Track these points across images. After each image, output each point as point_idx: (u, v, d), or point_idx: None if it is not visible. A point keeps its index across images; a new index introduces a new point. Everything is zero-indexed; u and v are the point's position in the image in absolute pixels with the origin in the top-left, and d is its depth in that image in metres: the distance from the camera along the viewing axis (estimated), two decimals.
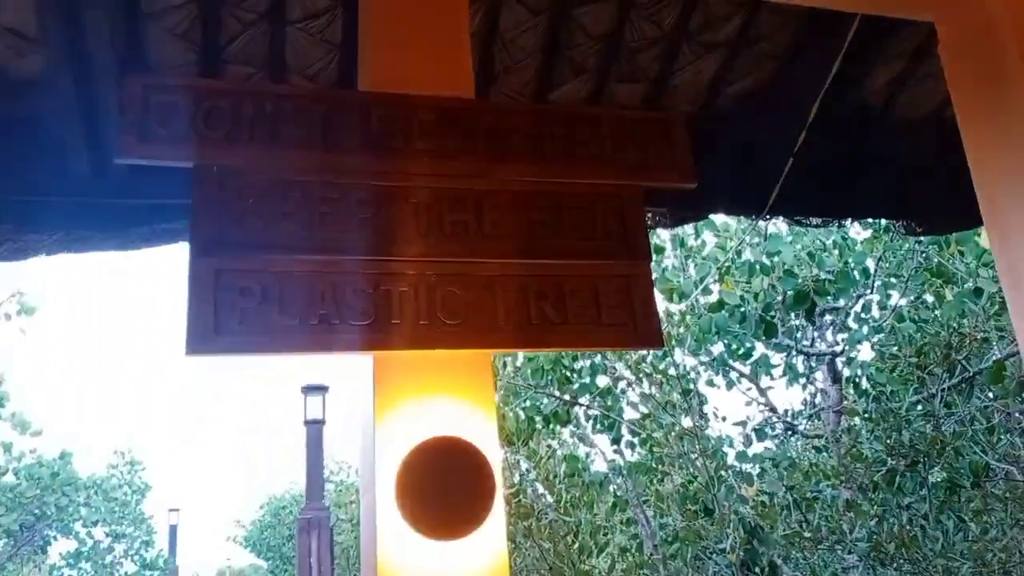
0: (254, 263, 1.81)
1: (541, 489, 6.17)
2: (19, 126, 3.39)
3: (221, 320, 1.74)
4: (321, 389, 9.55)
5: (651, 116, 2.59)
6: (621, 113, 2.31)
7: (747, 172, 4.59)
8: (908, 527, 5.23)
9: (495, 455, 1.82)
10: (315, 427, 9.50)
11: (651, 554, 6.28)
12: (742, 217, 5.54)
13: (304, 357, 1.82)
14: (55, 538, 15.97)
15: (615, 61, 4.22)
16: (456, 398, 1.84)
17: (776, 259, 7.00)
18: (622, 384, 8.01)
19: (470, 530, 1.74)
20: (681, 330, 7.17)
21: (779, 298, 7.13)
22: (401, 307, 1.86)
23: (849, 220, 5.34)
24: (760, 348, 8.24)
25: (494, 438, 1.85)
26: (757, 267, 6.86)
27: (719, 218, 7.71)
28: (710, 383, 8.62)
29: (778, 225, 7.50)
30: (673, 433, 6.24)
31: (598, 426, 8.20)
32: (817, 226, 5.17)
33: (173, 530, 20.03)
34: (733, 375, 8.47)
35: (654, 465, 7.09)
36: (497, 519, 1.79)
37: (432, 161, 2.03)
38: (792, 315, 7.47)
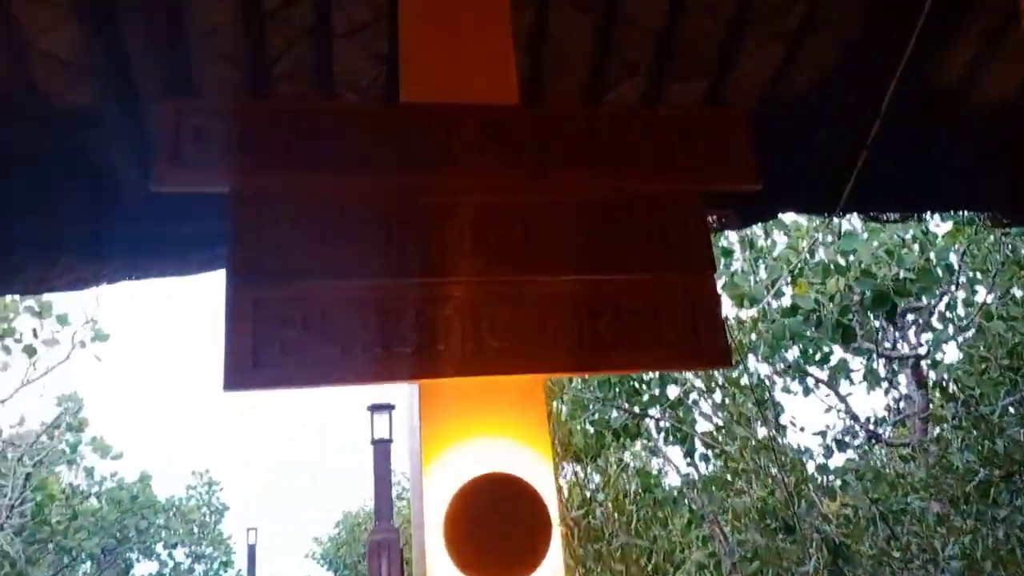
0: (293, 291, 1.73)
1: (612, 508, 5.98)
2: (71, 157, 3.42)
3: (260, 353, 1.66)
4: (387, 408, 9.52)
5: (708, 114, 2.44)
6: (676, 113, 2.16)
7: (818, 167, 4.35)
8: (1005, 542, 4.88)
9: (549, 488, 1.69)
10: (382, 446, 9.47)
11: (730, 572, 6.03)
12: (814, 215, 5.28)
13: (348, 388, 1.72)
14: (137, 560, 16.40)
15: (671, 57, 4.06)
16: (507, 426, 1.72)
17: (852, 258, 6.68)
18: (693, 394, 7.76)
19: (528, 571, 1.62)
20: (753, 337, 6.90)
21: (856, 299, 6.79)
22: (447, 331, 1.75)
23: (929, 213, 5.02)
24: (838, 352, 7.88)
25: (548, 469, 1.72)
26: (832, 267, 6.54)
27: (789, 217, 7.41)
28: (786, 390, 8.28)
29: (852, 222, 7.18)
30: (748, 446, 5.98)
31: (670, 438, 7.95)
32: (895, 221, 4.89)
33: (252, 549, 20.37)
34: (810, 381, 8.12)
35: (730, 479, 6.82)
36: (554, 560, 1.65)
37: (476, 175, 1.92)
38: (871, 317, 7.11)
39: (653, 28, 3.93)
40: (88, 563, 13.00)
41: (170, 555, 17.66)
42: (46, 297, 9.23)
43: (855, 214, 4.86)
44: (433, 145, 1.93)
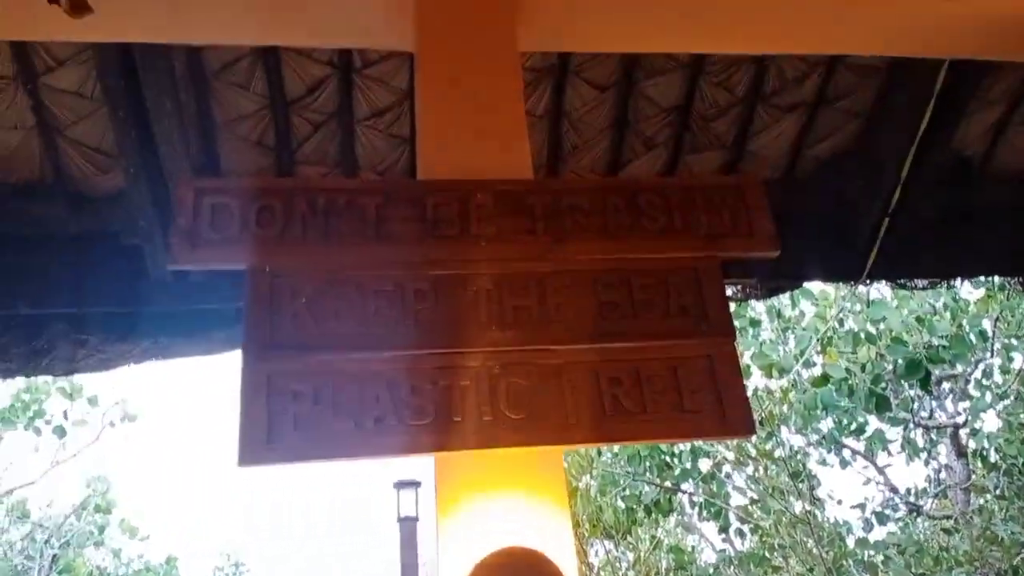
0: (306, 365, 1.73)
1: None
2: (101, 239, 3.51)
3: (274, 428, 1.65)
4: (414, 484, 9.38)
5: (723, 181, 2.44)
6: (689, 180, 2.17)
7: (841, 236, 4.34)
8: None
9: (570, 564, 1.64)
10: (408, 524, 9.30)
11: None
12: (840, 283, 5.23)
13: (363, 461, 1.70)
14: None
15: (688, 131, 4.11)
16: (525, 500, 1.68)
17: (882, 326, 6.58)
18: (726, 467, 7.59)
19: None
20: (784, 408, 6.77)
21: (889, 368, 6.66)
22: (463, 403, 1.73)
23: (958, 280, 4.96)
24: (874, 422, 7.70)
25: (569, 543, 1.66)
26: (862, 336, 6.44)
27: (816, 286, 7.36)
28: (822, 462, 8.06)
29: (881, 290, 7.10)
30: (784, 520, 5.80)
31: (704, 513, 7.75)
32: (923, 288, 4.84)
33: None
34: (846, 453, 7.91)
35: (766, 555, 6.59)
36: None
37: (491, 246, 1.92)
38: (905, 385, 6.96)
39: (669, 104, 4.01)
40: None
41: None
42: (77, 378, 9.34)
43: (883, 282, 4.82)
44: (449, 217, 1.95)
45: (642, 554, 6.20)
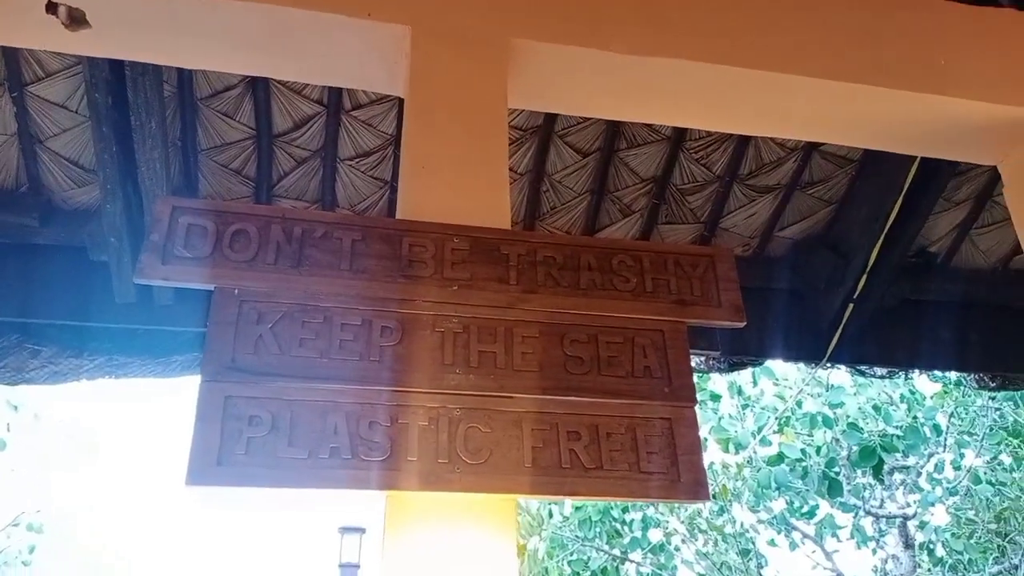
0: (266, 390, 1.71)
1: None
2: (68, 252, 3.47)
3: (225, 450, 1.62)
4: (359, 530, 9.20)
5: (695, 250, 2.48)
6: (662, 247, 2.20)
7: (804, 317, 4.43)
8: None
9: None
10: (349, 571, 9.09)
11: None
12: (802, 364, 5.29)
13: (312, 493, 1.67)
14: None
15: (664, 203, 4.20)
16: (475, 547, 1.66)
17: (839, 411, 6.66)
18: (676, 540, 7.55)
19: None
20: (738, 483, 6.77)
21: (844, 453, 6.72)
22: (420, 443, 1.72)
23: (916, 371, 5.05)
24: (825, 507, 7.73)
25: None
26: (819, 419, 6.51)
27: (778, 366, 7.47)
28: (771, 543, 8.05)
29: (840, 376, 7.20)
30: None
31: None
32: (881, 377, 4.91)
33: None
34: (796, 536, 7.91)
35: None
36: None
37: (462, 291, 1.93)
38: (858, 472, 7.02)
39: (648, 175, 4.10)
40: None
41: None
42: (22, 391, 9.08)
43: (842, 367, 4.90)
44: (423, 259, 1.96)
45: None
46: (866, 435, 6.31)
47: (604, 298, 2.03)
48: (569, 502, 7.32)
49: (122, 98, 3.04)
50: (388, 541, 1.65)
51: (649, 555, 7.40)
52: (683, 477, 1.82)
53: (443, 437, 1.73)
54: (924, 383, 7.49)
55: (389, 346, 1.83)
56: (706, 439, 6.99)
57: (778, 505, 7.45)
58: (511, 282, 1.98)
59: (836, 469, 6.59)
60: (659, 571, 7.23)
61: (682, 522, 7.08)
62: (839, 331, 4.29)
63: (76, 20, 2.06)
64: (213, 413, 1.65)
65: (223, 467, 1.60)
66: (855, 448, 6.27)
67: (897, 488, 7.55)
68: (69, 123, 3.41)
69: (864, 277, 4.23)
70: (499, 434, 1.77)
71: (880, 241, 4.20)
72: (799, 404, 6.97)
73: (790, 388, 6.87)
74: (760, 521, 7.40)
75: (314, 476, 1.64)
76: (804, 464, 6.53)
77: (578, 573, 7.15)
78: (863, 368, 4.56)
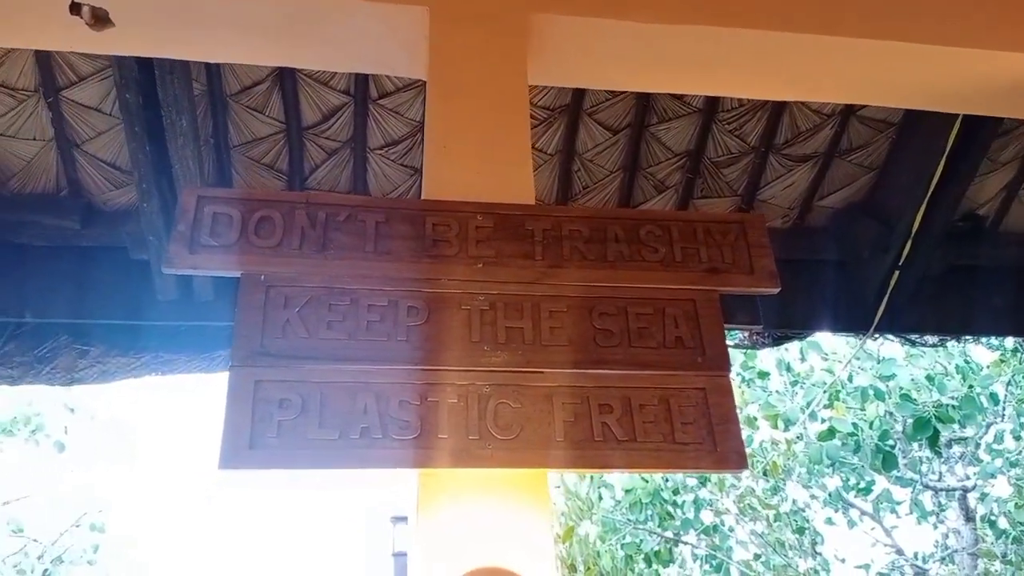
0: (295, 373, 1.72)
1: None
2: (110, 253, 3.55)
3: (257, 433, 1.63)
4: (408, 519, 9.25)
5: (724, 217, 2.43)
6: (691, 215, 2.16)
7: (849, 287, 4.32)
8: None
9: None
10: (402, 559, 9.20)
11: None
12: (850, 338, 5.17)
13: (344, 473, 1.68)
14: None
15: (699, 177, 4.13)
16: (508, 521, 1.65)
17: (891, 384, 6.49)
18: (730, 520, 7.47)
19: None
20: (789, 460, 6.67)
21: (897, 427, 6.56)
22: (450, 421, 1.71)
23: (969, 339, 4.91)
24: (882, 483, 7.58)
25: (551, 568, 1.63)
26: (870, 392, 6.35)
27: (826, 341, 7.32)
28: (828, 521, 7.92)
29: (891, 348, 7.03)
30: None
31: (705, 567, 7.59)
32: (933, 346, 4.78)
33: None
34: (854, 513, 7.77)
35: None
36: None
37: (488, 268, 1.92)
38: (914, 446, 6.85)
39: (681, 149, 4.04)
40: None
41: None
42: (79, 395, 9.35)
43: (891, 336, 4.78)
44: (447, 238, 1.95)
45: None
46: (920, 406, 6.14)
47: (633, 270, 2.00)
48: (619, 486, 7.30)
49: (152, 97, 3.08)
50: (421, 520, 1.65)
51: (703, 536, 7.34)
52: (719, 447, 1.79)
53: (473, 414, 1.73)
54: (980, 352, 7.29)
55: (416, 326, 1.82)
56: (755, 418, 6.89)
57: (833, 482, 7.32)
58: (537, 257, 1.96)
59: (890, 442, 6.43)
60: (714, 552, 7.15)
61: (734, 502, 6.99)
62: (885, 300, 4.18)
63: (100, 19, 2.08)
64: (243, 397, 1.67)
65: (255, 450, 1.62)
66: (909, 420, 6.12)
67: (956, 461, 7.36)
68: (104, 126, 3.47)
69: (909, 244, 4.11)
70: (529, 409, 1.76)
71: (924, 206, 4.08)
72: (850, 378, 6.82)
73: (839, 362, 6.72)
74: (813, 497, 7.26)
75: (345, 456, 1.65)
76: (856, 438, 6.39)
77: (631, 556, 7.12)
78: (913, 337, 4.44)
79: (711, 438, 1.80)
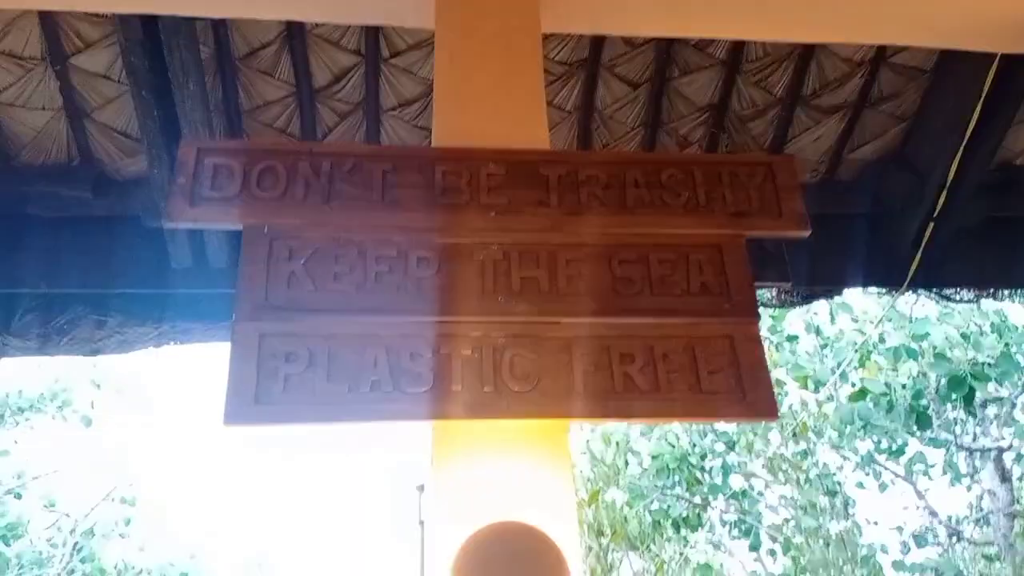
0: (302, 326, 1.65)
1: None
2: (124, 222, 3.50)
3: (263, 388, 1.58)
4: None
5: (750, 159, 2.33)
6: (715, 157, 2.06)
7: (882, 241, 4.17)
8: None
9: (573, 546, 1.53)
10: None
11: None
12: (881, 293, 5.02)
13: (352, 426, 1.61)
14: None
15: (724, 131, 4.00)
16: (527, 474, 1.58)
17: (924, 344, 6.32)
18: (759, 485, 7.39)
19: None
20: (820, 422, 6.57)
21: (931, 387, 6.40)
22: (463, 372, 1.64)
23: (1006, 293, 4.74)
24: (914, 445, 7.44)
25: (572, 520, 1.56)
26: (903, 351, 6.19)
27: (857, 301, 7.15)
28: (859, 485, 7.80)
29: (924, 307, 6.87)
30: (819, 539, 5.60)
31: (734, 532, 7.53)
32: (968, 301, 4.63)
33: None
34: (886, 476, 7.64)
35: None
36: None
37: (501, 216, 1.84)
38: (948, 406, 6.69)
39: (704, 103, 3.90)
40: None
41: None
42: (105, 370, 9.43)
43: (924, 292, 4.62)
44: (458, 186, 1.87)
45: (663, 562, 6.01)
46: (955, 364, 5.98)
47: (654, 215, 1.91)
48: (646, 452, 7.24)
49: (159, 60, 3.01)
50: (437, 475, 1.59)
51: (732, 501, 7.26)
52: (748, 395, 1.70)
53: (488, 366, 1.66)
54: (1018, 310, 7.07)
55: (427, 276, 1.75)
56: (784, 381, 6.77)
57: (864, 445, 7.20)
58: (552, 204, 1.87)
59: (924, 402, 6.28)
60: (743, 517, 7.08)
61: (763, 466, 6.90)
62: (919, 254, 4.04)
63: None
64: (248, 352, 1.61)
65: (261, 405, 1.56)
66: (943, 380, 5.96)
67: (991, 422, 7.20)
68: (113, 93, 3.41)
69: (943, 196, 3.96)
70: (547, 360, 1.68)
71: (959, 156, 3.91)
72: (881, 339, 6.67)
73: (871, 322, 6.57)
74: (845, 459, 7.14)
75: (356, 410, 1.59)
76: (889, 398, 6.25)
77: (659, 522, 7.06)
78: (948, 292, 4.29)
79: (740, 386, 1.71)
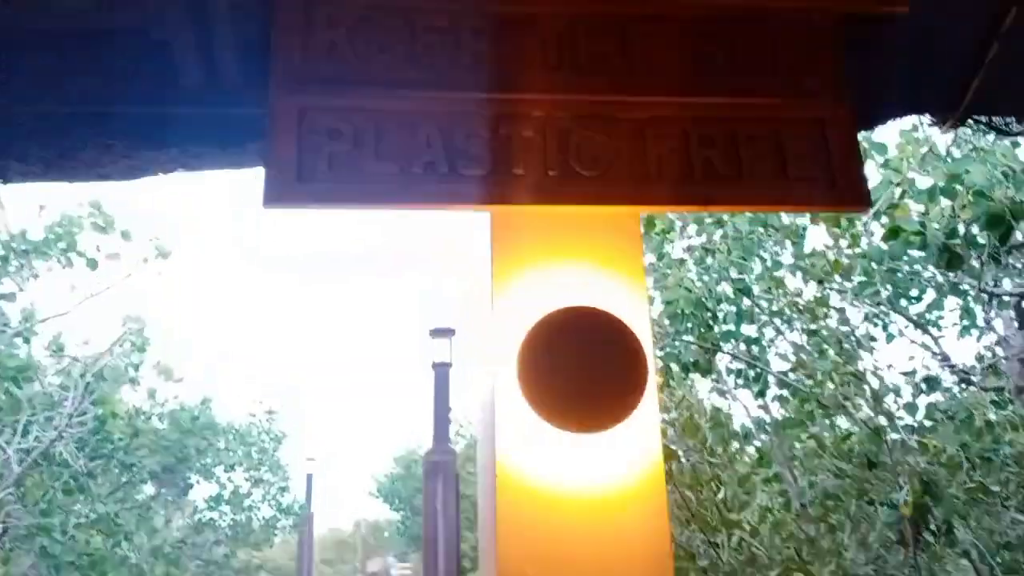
0: (346, 100, 1.47)
1: (683, 431, 5.66)
2: (128, 36, 3.22)
3: (305, 166, 1.42)
4: (448, 332, 9.45)
5: None
6: None
7: (931, 59, 3.88)
8: None
9: (646, 334, 1.41)
10: (442, 370, 9.41)
11: (798, 513, 5.70)
12: (931, 117, 4.75)
13: (403, 212, 1.46)
14: (197, 482, 16.66)
15: None
16: (596, 265, 1.44)
17: (958, 187, 6.09)
18: (770, 333, 7.39)
19: (616, 420, 1.34)
20: (846, 261, 6.46)
21: (962, 229, 6.21)
22: (525, 155, 1.47)
23: None
24: (931, 294, 7.38)
25: (644, 314, 1.43)
26: (937, 191, 5.96)
27: (889, 137, 6.84)
28: (870, 338, 7.79)
29: (961, 147, 6.59)
30: (834, 376, 5.61)
31: (739, 380, 7.58)
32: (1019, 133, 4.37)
33: (309, 479, 20.94)
34: (893, 329, 7.64)
35: (804, 420, 6.44)
36: (650, 410, 1.38)
37: None
38: (973, 253, 6.54)
39: None
40: (149, 480, 13.27)
41: (229, 478, 17.91)
42: (109, 212, 9.23)
43: (983, 120, 4.35)
44: None
45: (683, 397, 6.07)
46: (996, 202, 5.79)
47: None
48: (659, 299, 7.17)
49: None
50: (496, 268, 1.44)
51: (742, 346, 7.25)
52: (838, 182, 1.54)
53: (552, 148, 1.49)
54: None
55: (483, 50, 1.55)
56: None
57: (885, 293, 7.10)
58: None
59: (957, 240, 6.13)
60: (753, 361, 7.10)
61: (778, 314, 6.86)
62: (979, 76, 3.76)
63: None
64: (287, 128, 1.44)
65: (304, 184, 1.40)
66: (982, 215, 5.78)
67: (1018, 272, 7.09)
68: None
69: (1013, 9, 3.64)
70: (618, 143, 1.51)
71: None
72: (912, 184, 6.44)
73: (907, 160, 6.32)
74: (854, 305, 7.05)
75: (407, 192, 1.43)
76: (923, 236, 6.09)
77: (669, 367, 7.09)
78: (1008, 122, 4.02)
79: (828, 174, 1.55)
